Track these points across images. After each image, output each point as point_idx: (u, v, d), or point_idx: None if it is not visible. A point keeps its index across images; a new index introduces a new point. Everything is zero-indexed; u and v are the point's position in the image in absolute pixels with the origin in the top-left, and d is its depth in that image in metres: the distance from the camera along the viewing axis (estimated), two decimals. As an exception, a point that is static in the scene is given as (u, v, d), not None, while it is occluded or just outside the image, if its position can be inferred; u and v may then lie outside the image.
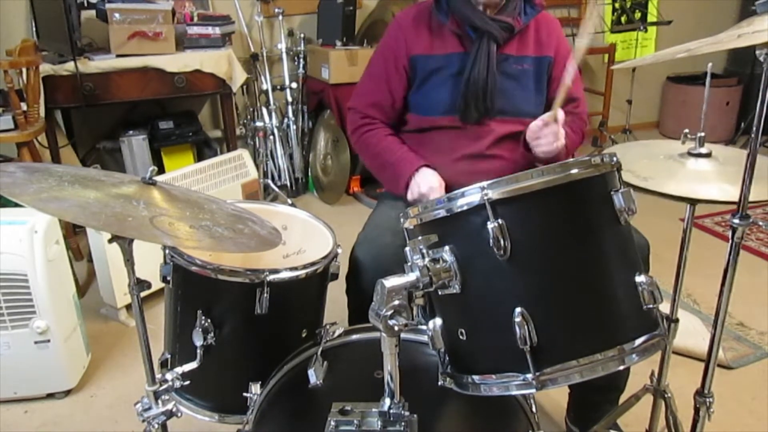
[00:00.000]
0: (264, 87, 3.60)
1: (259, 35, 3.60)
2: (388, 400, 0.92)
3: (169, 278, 1.28)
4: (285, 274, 1.24)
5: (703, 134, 1.22)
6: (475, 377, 0.93)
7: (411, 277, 0.89)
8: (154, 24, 2.82)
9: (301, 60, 3.66)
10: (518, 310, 0.85)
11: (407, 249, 0.96)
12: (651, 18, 4.40)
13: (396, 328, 0.86)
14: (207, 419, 1.33)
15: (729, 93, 4.62)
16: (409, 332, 1.20)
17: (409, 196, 1.54)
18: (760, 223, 3.18)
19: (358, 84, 1.72)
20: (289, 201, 3.42)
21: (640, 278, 0.91)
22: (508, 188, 0.86)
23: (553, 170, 0.86)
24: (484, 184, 0.86)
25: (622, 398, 1.58)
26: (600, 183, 0.90)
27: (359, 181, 3.63)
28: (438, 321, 0.97)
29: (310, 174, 3.70)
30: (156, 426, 1.11)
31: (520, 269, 0.87)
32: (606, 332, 0.89)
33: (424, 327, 1.00)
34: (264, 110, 3.62)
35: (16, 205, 1.02)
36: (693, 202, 1.14)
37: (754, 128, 0.97)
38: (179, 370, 1.18)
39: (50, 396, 1.94)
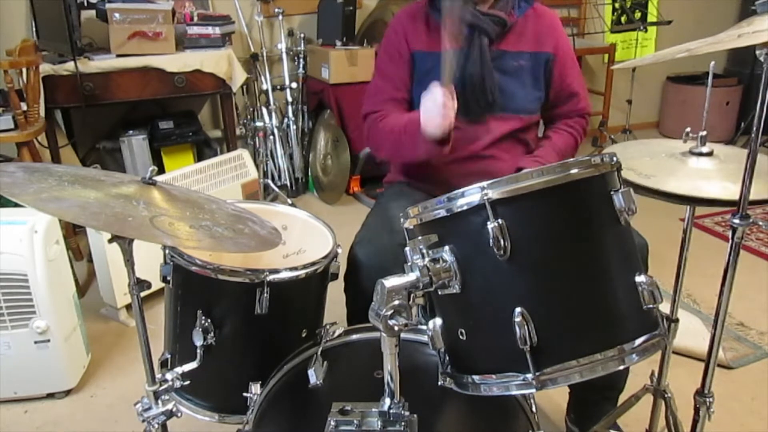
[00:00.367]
0: (264, 87, 3.60)
1: (259, 35, 3.60)
2: (388, 400, 0.92)
3: (169, 278, 1.28)
4: (285, 274, 1.24)
5: (705, 133, 1.22)
6: (475, 377, 0.93)
7: (411, 277, 0.89)
8: (154, 24, 2.82)
9: (301, 60, 3.66)
10: (518, 310, 0.85)
11: (407, 249, 0.96)
12: (651, 18, 4.40)
13: (396, 328, 0.86)
14: (207, 419, 1.33)
15: (729, 93, 4.62)
16: (409, 332, 1.20)
17: (430, 128, 1.39)
18: (760, 223, 3.18)
19: (368, 87, 1.70)
20: (289, 201, 3.43)
21: (640, 278, 0.91)
22: (508, 188, 0.86)
23: (553, 170, 0.86)
24: (484, 184, 0.86)
25: (622, 398, 1.58)
26: (600, 183, 0.90)
27: (359, 181, 3.63)
28: (438, 321, 0.97)
29: (310, 174, 3.70)
30: (156, 426, 1.11)
31: (520, 269, 0.87)
32: (606, 332, 0.89)
33: (424, 327, 1.00)
34: (264, 110, 3.62)
35: (16, 205, 1.02)
36: (695, 201, 1.14)
37: (754, 128, 0.97)
38: (179, 370, 1.18)
39: (50, 396, 1.94)
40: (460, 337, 0.93)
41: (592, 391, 1.60)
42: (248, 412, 1.11)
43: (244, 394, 1.17)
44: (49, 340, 1.85)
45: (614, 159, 0.93)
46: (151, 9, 2.83)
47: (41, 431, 1.82)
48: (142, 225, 0.93)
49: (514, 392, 0.90)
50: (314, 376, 1.13)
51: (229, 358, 1.30)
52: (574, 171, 0.87)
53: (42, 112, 2.53)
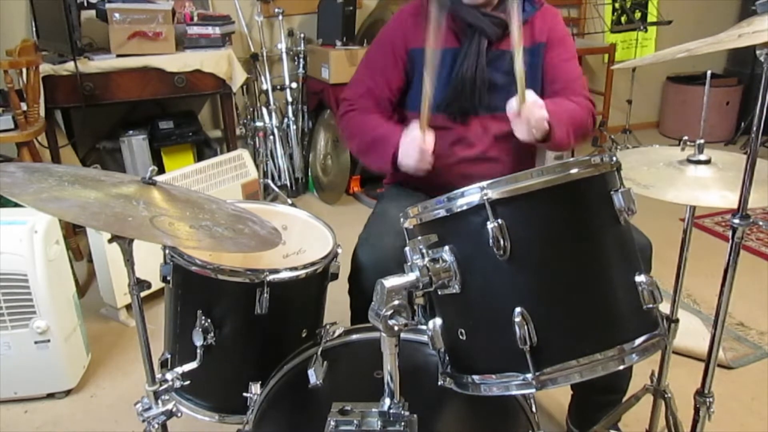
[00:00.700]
0: (264, 87, 3.60)
1: (259, 35, 3.60)
2: (388, 400, 0.92)
3: (169, 278, 1.28)
4: (285, 274, 1.24)
5: (702, 141, 1.22)
6: (475, 377, 0.93)
7: (411, 277, 0.89)
8: (154, 24, 2.82)
9: (301, 60, 3.66)
10: (518, 310, 0.86)
11: (407, 249, 0.96)
12: (651, 18, 4.40)
13: (396, 328, 0.86)
14: (207, 419, 1.33)
15: (729, 93, 4.62)
16: (409, 332, 1.20)
17: (405, 167, 1.46)
18: (760, 223, 3.18)
19: (353, 76, 1.70)
20: (289, 201, 3.43)
21: (640, 278, 0.91)
22: (507, 188, 0.86)
23: (553, 170, 0.87)
24: (484, 184, 0.86)
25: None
26: (600, 183, 0.90)
27: (359, 181, 3.63)
28: (438, 321, 0.97)
29: (310, 174, 3.70)
30: (156, 426, 1.11)
31: (520, 269, 0.87)
32: (606, 332, 0.89)
33: (424, 327, 1.00)
34: (264, 110, 3.62)
35: (16, 205, 1.03)
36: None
37: (754, 128, 0.97)
38: (179, 370, 1.18)
39: (50, 396, 1.94)
40: (460, 337, 0.93)
41: (595, 393, 1.59)
42: (248, 412, 1.12)
43: (244, 394, 1.17)
44: (49, 340, 1.85)
45: (614, 159, 0.93)
46: (151, 9, 2.83)
47: (41, 431, 1.82)
48: (142, 225, 0.93)
49: (514, 392, 0.90)
50: (314, 376, 1.13)
51: (229, 358, 1.30)
52: (573, 171, 0.87)
53: (42, 112, 2.53)
